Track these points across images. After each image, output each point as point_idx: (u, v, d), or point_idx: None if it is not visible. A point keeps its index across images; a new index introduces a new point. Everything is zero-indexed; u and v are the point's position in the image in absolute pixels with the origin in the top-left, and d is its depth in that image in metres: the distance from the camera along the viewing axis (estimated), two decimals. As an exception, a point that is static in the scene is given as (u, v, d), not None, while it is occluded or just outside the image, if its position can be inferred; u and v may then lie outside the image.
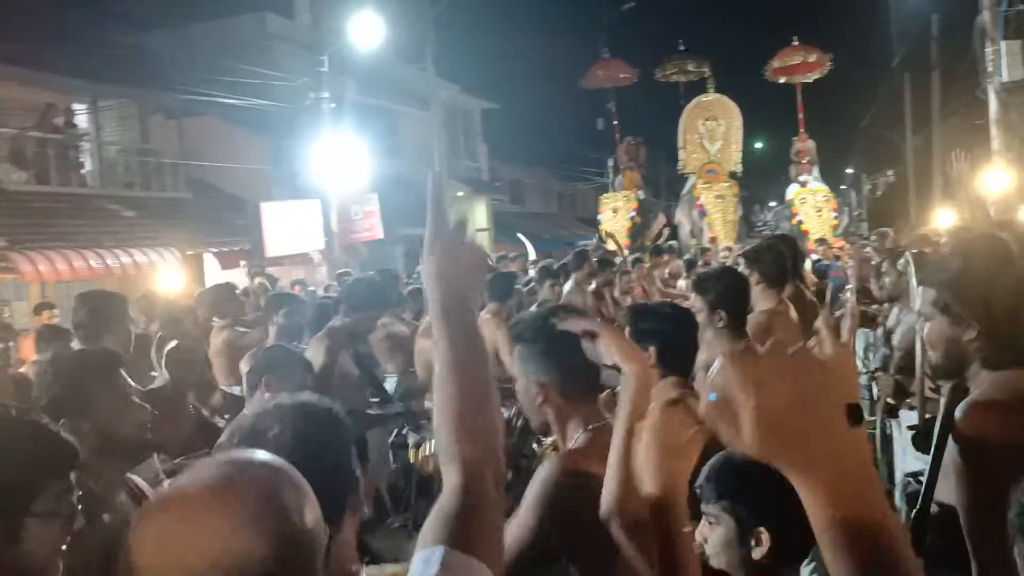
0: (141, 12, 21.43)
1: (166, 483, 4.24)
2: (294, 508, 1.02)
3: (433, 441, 3.16)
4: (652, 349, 2.97)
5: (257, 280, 10.21)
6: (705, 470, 1.89)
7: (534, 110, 35.51)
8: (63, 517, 1.65)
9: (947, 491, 2.09)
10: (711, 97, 22.28)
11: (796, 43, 21.32)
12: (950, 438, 2.08)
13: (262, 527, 0.98)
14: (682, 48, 23.31)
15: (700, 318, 3.91)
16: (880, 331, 8.36)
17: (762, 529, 1.85)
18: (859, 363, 10.21)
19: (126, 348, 4.20)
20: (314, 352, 4.54)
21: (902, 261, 3.47)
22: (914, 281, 2.88)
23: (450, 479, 1.37)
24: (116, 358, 2.51)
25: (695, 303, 3.92)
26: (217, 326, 6.34)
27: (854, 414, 1.83)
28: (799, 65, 21.20)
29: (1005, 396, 2.04)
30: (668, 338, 3.00)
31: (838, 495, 0.93)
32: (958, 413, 2.05)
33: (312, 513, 1.04)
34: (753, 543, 1.86)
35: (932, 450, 2.16)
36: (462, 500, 1.33)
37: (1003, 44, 14.16)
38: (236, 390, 5.93)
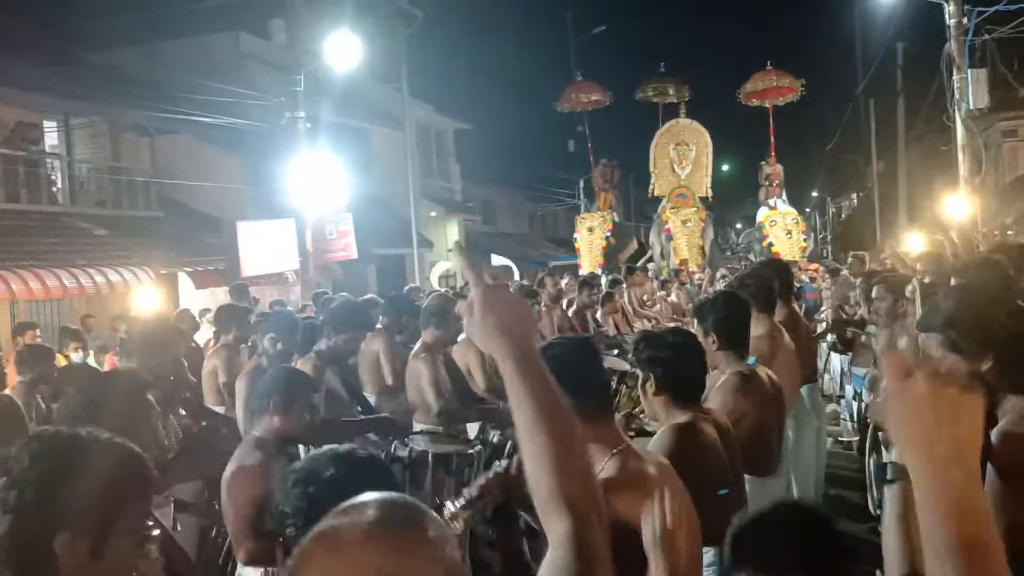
0: (113, 30, 21.28)
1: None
2: (443, 543, 1.04)
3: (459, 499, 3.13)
4: (652, 377, 3.03)
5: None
6: (729, 533, 1.81)
7: (507, 131, 35.74)
8: (141, 535, 1.71)
9: None
10: (682, 122, 22.58)
11: (769, 67, 21.71)
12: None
13: (421, 564, 1.01)
14: (663, 71, 23.59)
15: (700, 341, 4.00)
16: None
17: None
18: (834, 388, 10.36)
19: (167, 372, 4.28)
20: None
21: (910, 288, 3.52)
22: (919, 306, 2.94)
23: (558, 528, 1.35)
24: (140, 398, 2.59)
25: (696, 328, 4.01)
26: (220, 343, 6.37)
27: None
28: (771, 89, 21.58)
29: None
30: (671, 365, 3.06)
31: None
32: (993, 439, 2.08)
33: (454, 549, 1.07)
34: None
35: None
36: (576, 549, 1.32)
37: (969, 72, 14.50)
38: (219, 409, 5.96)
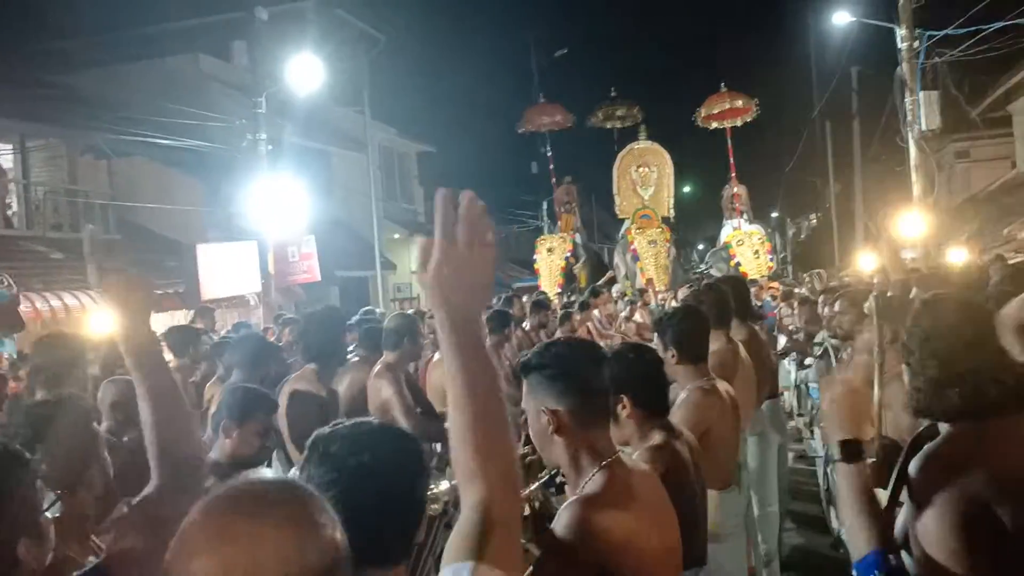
0: (71, 51, 21.07)
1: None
2: (329, 526, 1.09)
3: (440, 483, 3.09)
4: (626, 399, 3.01)
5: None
6: None
7: (470, 153, 35.82)
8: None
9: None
10: (643, 144, 22.76)
11: (724, 90, 21.98)
12: (905, 491, 2.06)
13: (297, 542, 1.04)
14: (614, 95, 23.82)
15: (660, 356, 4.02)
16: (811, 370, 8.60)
17: None
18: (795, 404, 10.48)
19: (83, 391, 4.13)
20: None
21: (868, 304, 3.56)
22: (875, 321, 2.97)
23: (472, 496, 1.39)
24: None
25: (656, 342, 4.03)
26: (173, 367, 6.24)
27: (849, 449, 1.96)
28: (727, 111, 21.84)
29: (953, 451, 2.01)
30: (639, 383, 3.03)
31: None
32: (912, 467, 2.04)
33: (340, 532, 1.11)
34: None
35: (888, 497, 2.17)
36: (486, 516, 1.35)
37: (921, 95, 14.85)
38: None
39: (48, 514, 1.96)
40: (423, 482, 1.61)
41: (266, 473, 1.18)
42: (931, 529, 1.91)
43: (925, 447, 2.06)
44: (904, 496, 2.07)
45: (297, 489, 1.12)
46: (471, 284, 1.39)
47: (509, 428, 1.46)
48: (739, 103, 21.91)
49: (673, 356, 3.87)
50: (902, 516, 2.11)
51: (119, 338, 2.07)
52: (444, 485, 3.09)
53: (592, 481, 2.10)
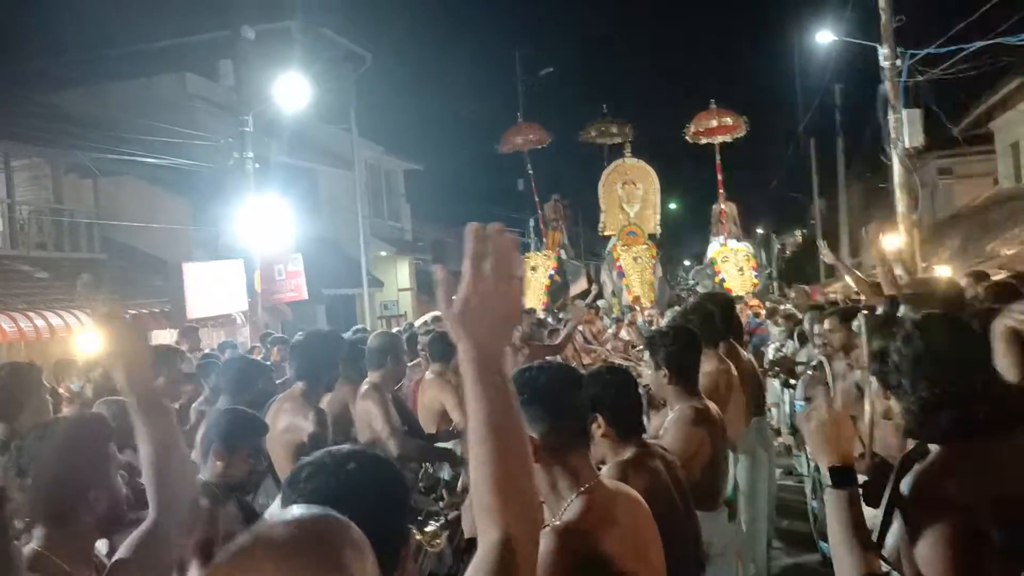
0: (56, 70, 21.01)
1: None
2: (360, 563, 1.05)
3: (439, 519, 3.08)
4: (601, 418, 3.03)
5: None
6: None
7: (457, 171, 35.90)
8: None
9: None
10: (628, 162, 22.81)
11: (713, 107, 22.03)
12: (897, 510, 2.06)
13: None
14: (605, 112, 23.89)
15: (651, 375, 4.01)
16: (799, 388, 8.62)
17: None
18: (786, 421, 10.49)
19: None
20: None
21: (856, 323, 3.59)
22: (865, 340, 2.98)
23: (489, 536, 1.35)
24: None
25: (647, 360, 4.02)
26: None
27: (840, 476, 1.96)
28: (717, 127, 21.87)
29: (943, 471, 2.01)
30: (613, 402, 3.05)
31: None
32: (903, 486, 2.03)
33: (372, 569, 1.07)
34: None
35: (881, 520, 2.16)
36: (503, 557, 1.32)
37: (904, 112, 15.00)
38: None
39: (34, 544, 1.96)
40: (401, 503, 1.57)
41: (296, 510, 1.10)
42: (922, 550, 1.91)
43: (915, 467, 2.06)
44: (895, 515, 2.07)
45: (328, 528, 1.06)
46: (497, 319, 1.37)
47: (531, 467, 1.43)
48: (728, 120, 21.94)
49: (665, 376, 3.85)
50: (893, 535, 2.11)
51: (121, 386, 2.09)
52: (441, 521, 3.10)
53: (570, 508, 2.07)
